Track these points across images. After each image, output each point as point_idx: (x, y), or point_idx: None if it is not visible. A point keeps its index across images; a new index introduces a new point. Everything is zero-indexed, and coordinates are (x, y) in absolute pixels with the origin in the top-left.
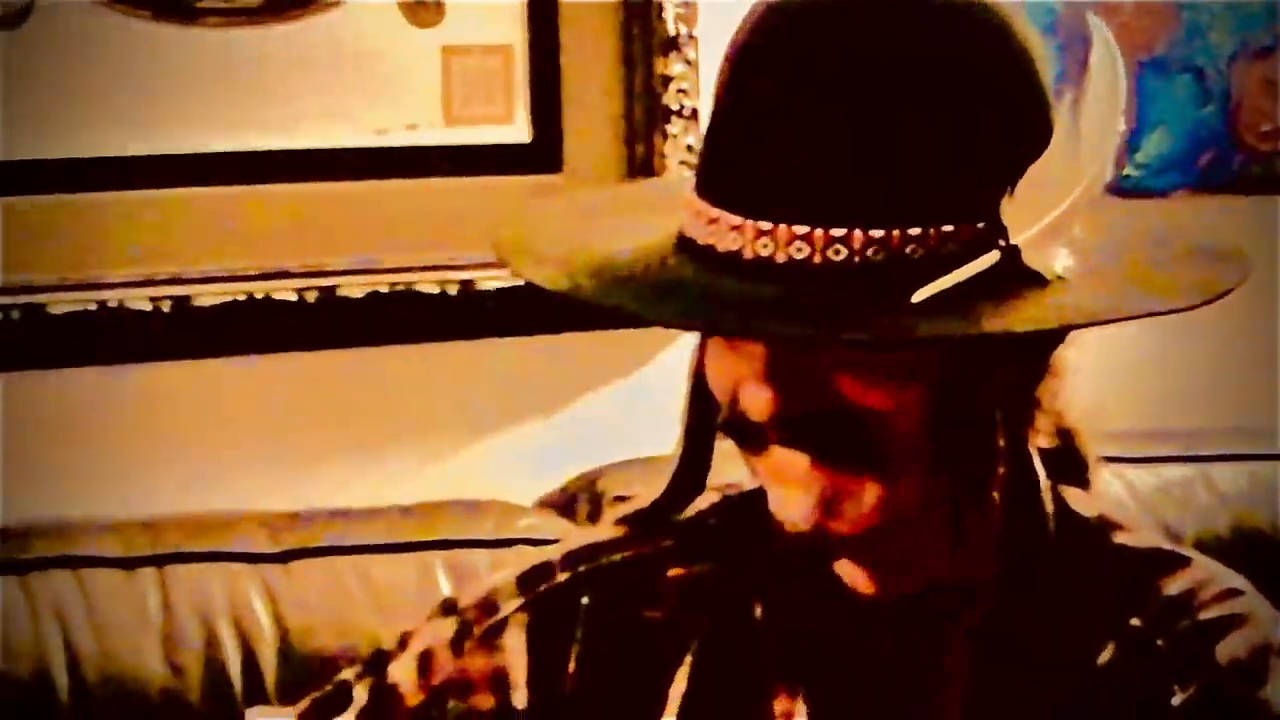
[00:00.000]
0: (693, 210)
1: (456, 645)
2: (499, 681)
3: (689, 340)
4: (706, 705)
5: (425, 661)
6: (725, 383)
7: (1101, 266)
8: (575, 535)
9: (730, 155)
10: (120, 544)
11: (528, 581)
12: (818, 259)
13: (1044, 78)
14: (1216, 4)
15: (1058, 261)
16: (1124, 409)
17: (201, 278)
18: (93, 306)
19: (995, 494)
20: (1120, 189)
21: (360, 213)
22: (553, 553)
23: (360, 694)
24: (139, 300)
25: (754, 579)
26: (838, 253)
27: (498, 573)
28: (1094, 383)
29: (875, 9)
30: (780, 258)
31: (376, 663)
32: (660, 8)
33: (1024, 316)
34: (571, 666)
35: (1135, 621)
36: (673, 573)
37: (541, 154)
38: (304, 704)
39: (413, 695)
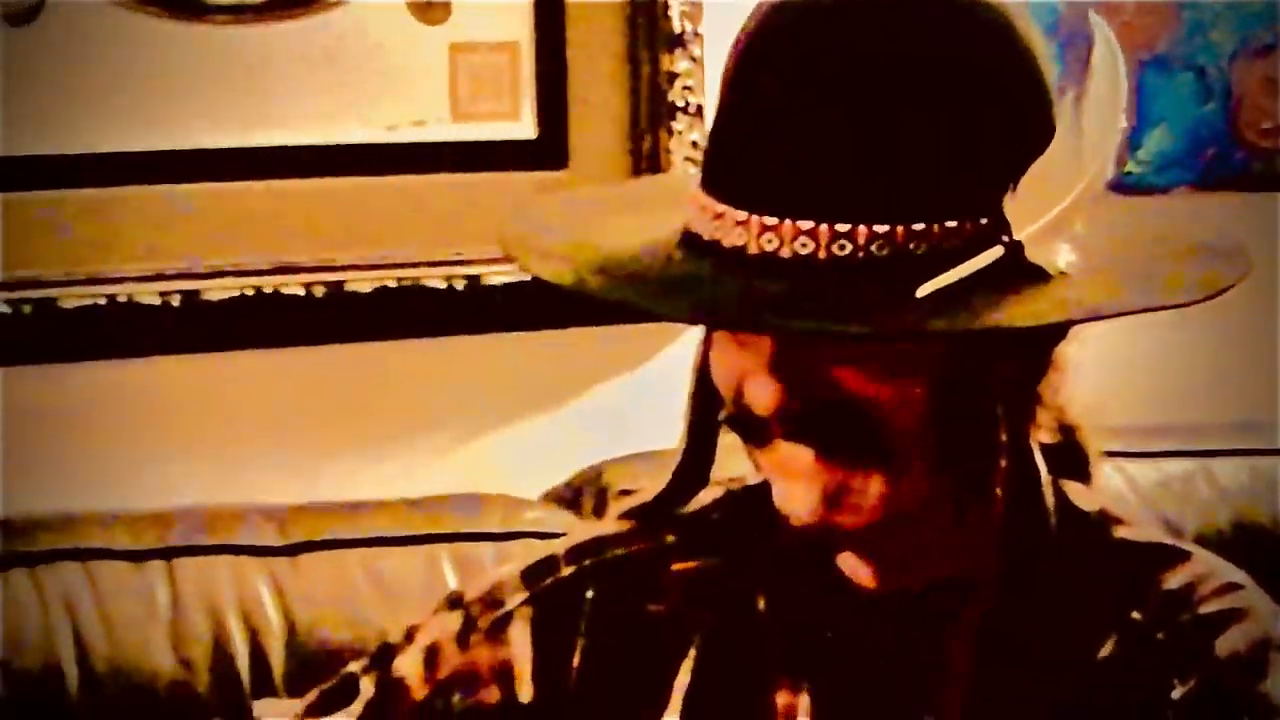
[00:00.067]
0: (698, 206)
1: (462, 639)
2: (504, 675)
3: (694, 335)
4: (710, 699)
5: (431, 655)
6: (730, 377)
7: (1103, 263)
8: (580, 529)
9: (736, 151)
10: (129, 537)
11: (533, 575)
12: (823, 254)
13: (1046, 76)
14: (1218, 2)
15: (1060, 257)
16: (1125, 404)
17: (210, 272)
18: (102, 301)
19: (997, 488)
20: (1122, 186)
21: (368, 208)
22: (558, 546)
23: (367, 686)
24: (148, 295)
25: (758, 573)
26: (843, 248)
27: (503, 566)
28: (1095, 378)
29: (880, 7)
30: (785, 253)
31: (383, 656)
32: (666, 5)
33: (1026, 311)
34: (576, 660)
35: (1136, 615)
36: (677, 567)
37: (548, 150)
38: (311, 696)
39: (419, 688)
